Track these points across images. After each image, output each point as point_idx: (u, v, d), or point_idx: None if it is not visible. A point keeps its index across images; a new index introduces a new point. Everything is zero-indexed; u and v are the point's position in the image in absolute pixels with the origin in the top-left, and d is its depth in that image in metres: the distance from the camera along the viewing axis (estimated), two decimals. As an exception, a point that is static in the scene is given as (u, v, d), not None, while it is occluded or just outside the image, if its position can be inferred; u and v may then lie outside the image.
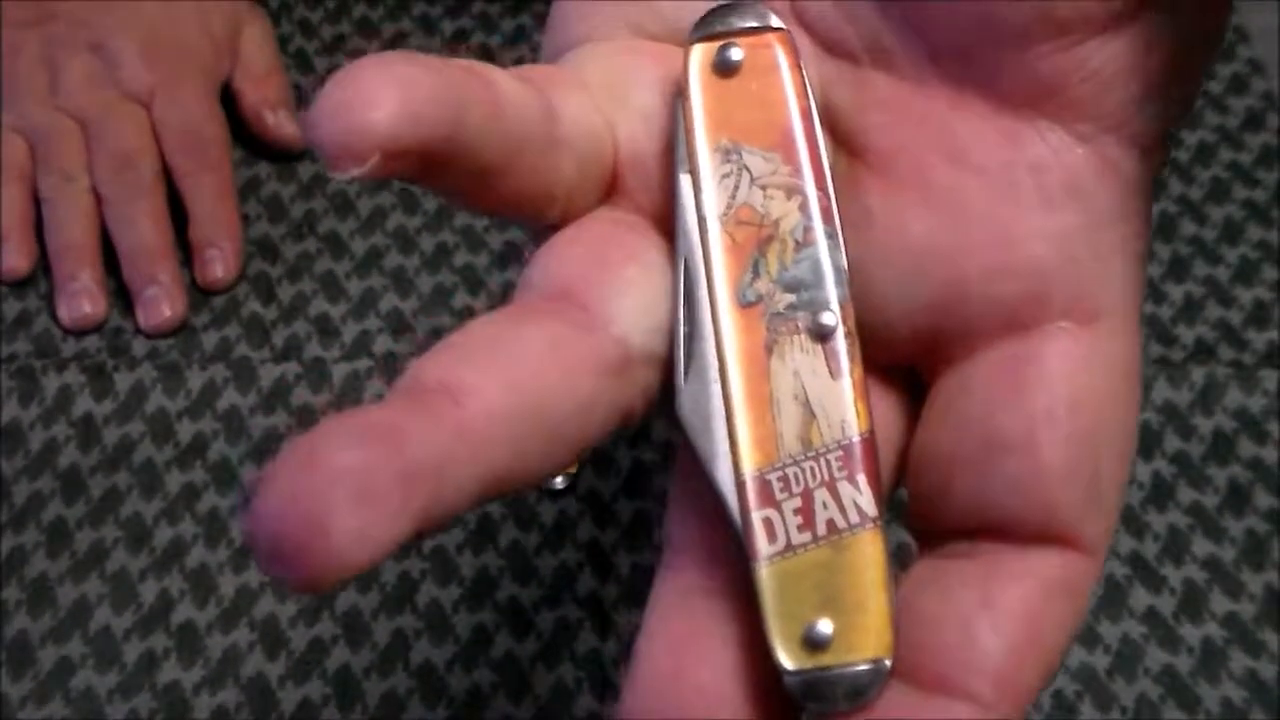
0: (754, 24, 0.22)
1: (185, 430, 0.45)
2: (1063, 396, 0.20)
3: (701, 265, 0.22)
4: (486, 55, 0.56)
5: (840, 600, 0.20)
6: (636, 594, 0.42)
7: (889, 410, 0.23)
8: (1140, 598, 0.42)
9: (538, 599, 0.42)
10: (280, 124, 0.52)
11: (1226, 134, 0.54)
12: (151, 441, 0.45)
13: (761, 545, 0.21)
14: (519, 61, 0.55)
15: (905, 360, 0.22)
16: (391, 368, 0.46)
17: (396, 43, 0.56)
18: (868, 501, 0.21)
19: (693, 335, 0.22)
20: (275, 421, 0.45)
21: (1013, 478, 0.20)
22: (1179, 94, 0.21)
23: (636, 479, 0.44)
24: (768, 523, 0.21)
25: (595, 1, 0.24)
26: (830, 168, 0.22)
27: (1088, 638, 0.41)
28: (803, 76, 0.22)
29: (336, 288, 0.49)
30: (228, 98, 0.52)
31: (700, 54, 0.22)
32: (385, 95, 0.19)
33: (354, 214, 0.51)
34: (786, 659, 0.20)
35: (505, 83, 0.21)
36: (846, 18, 0.22)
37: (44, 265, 0.48)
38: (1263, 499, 0.44)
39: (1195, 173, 0.53)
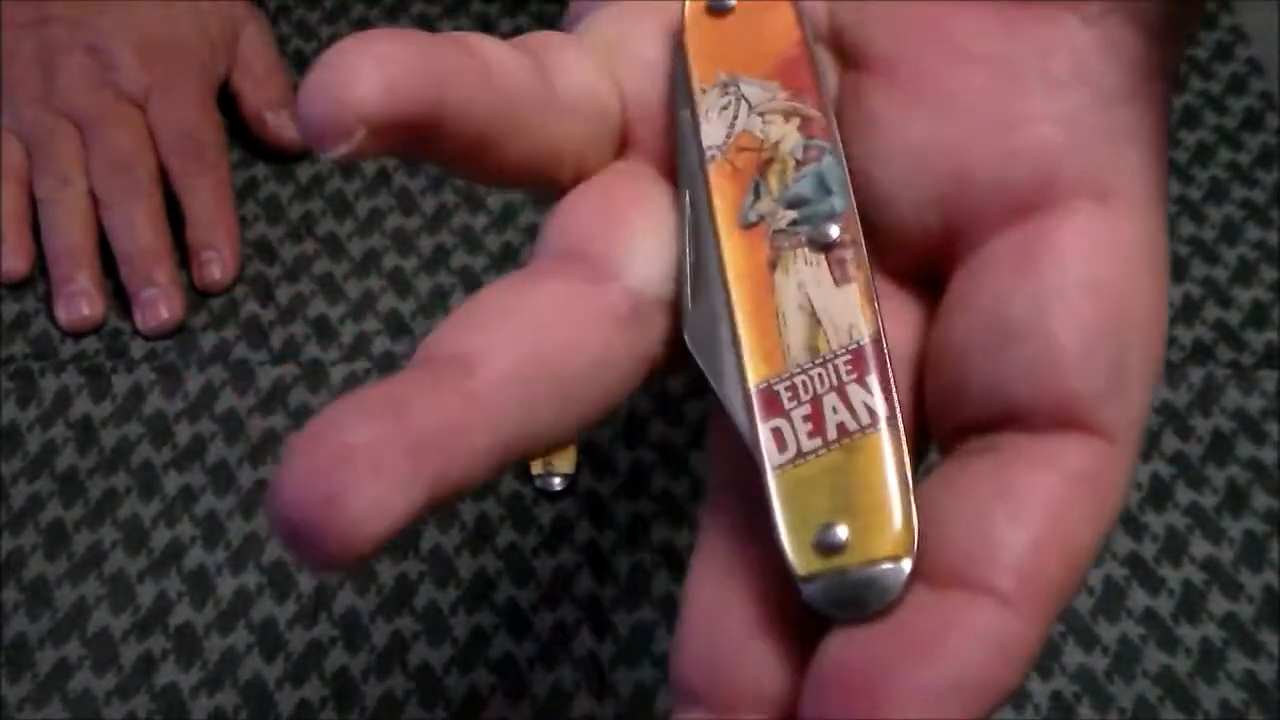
0: None
1: (183, 432, 0.45)
2: (1076, 276, 0.20)
3: (704, 195, 0.22)
4: (485, 56, 0.56)
5: (855, 502, 0.20)
6: (635, 595, 0.42)
7: (908, 318, 0.22)
8: (1138, 598, 0.42)
9: (536, 600, 0.42)
10: (281, 125, 0.52)
11: (1225, 134, 0.54)
12: (150, 443, 0.45)
13: (771, 455, 0.20)
14: (517, 62, 0.55)
15: (921, 262, 0.22)
16: (390, 369, 0.46)
17: (395, 43, 0.56)
18: (879, 402, 0.20)
19: (698, 263, 0.21)
20: (273, 423, 0.45)
21: (1026, 362, 0.20)
22: None
23: (635, 480, 0.44)
24: (777, 433, 0.20)
25: None
26: (832, 86, 0.22)
27: (1086, 638, 0.41)
28: (795, 6, 0.22)
29: (334, 289, 0.49)
30: (226, 99, 0.52)
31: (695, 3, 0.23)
32: (366, 71, 0.20)
33: (352, 215, 0.51)
34: (799, 565, 0.20)
35: (492, 49, 0.21)
36: None
37: (41, 267, 0.48)
38: (1261, 500, 0.44)
39: (1194, 173, 0.53)
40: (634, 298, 0.21)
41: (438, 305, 0.48)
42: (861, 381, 0.20)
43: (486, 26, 0.57)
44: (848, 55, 0.23)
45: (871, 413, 0.20)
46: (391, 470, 0.18)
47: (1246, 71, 0.56)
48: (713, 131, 0.22)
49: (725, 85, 0.22)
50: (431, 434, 0.18)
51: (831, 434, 0.20)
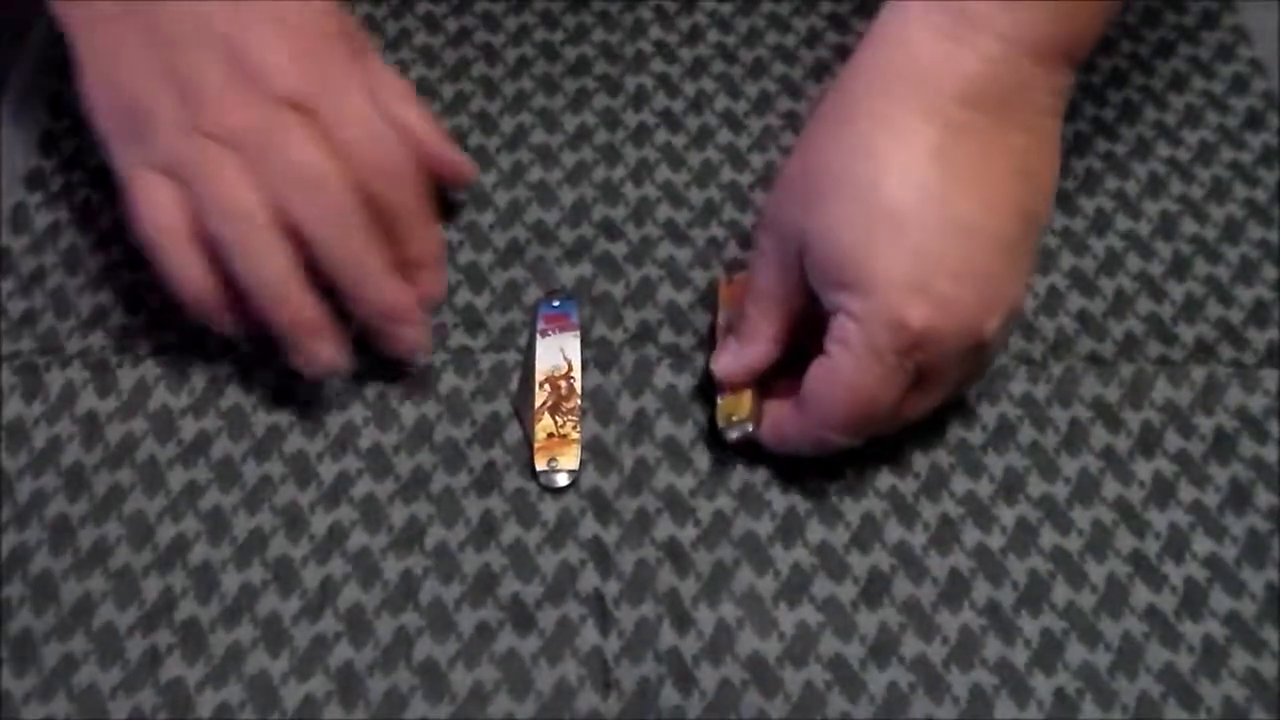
0: None
1: (189, 427, 0.45)
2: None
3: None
4: (489, 52, 0.56)
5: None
6: (639, 591, 0.42)
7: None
8: (1141, 596, 0.42)
9: (540, 596, 0.42)
10: None
11: (1227, 133, 0.54)
12: (154, 439, 0.45)
13: None
14: (522, 58, 0.56)
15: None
16: (393, 365, 0.46)
17: (400, 40, 0.56)
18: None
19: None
20: (278, 419, 0.45)
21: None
22: None
23: (639, 477, 0.45)
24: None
25: None
26: None
27: (1089, 635, 0.41)
28: None
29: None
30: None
31: None
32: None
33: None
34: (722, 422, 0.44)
35: None
36: None
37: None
38: (1263, 498, 0.44)
39: (1196, 172, 0.53)
40: None
41: (442, 301, 0.48)
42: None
43: (491, 24, 0.57)
44: None
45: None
46: None
47: (1248, 71, 0.56)
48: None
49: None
50: None
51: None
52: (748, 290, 0.44)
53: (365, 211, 0.42)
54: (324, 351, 0.43)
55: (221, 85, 0.41)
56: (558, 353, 0.47)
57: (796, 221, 0.41)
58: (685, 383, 0.47)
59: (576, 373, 0.46)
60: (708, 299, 0.48)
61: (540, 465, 0.44)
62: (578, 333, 0.47)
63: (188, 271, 0.42)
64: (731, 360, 0.44)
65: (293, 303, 0.42)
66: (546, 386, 0.46)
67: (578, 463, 0.44)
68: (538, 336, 0.47)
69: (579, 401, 0.46)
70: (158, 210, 0.41)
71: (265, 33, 0.42)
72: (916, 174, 0.39)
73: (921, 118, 0.39)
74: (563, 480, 0.44)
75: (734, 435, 0.44)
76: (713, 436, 0.45)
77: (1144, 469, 0.45)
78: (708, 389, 0.46)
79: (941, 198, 0.39)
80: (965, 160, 0.39)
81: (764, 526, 0.44)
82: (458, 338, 0.48)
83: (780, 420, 0.43)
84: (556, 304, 0.48)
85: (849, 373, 0.40)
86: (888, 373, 0.40)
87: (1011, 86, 0.40)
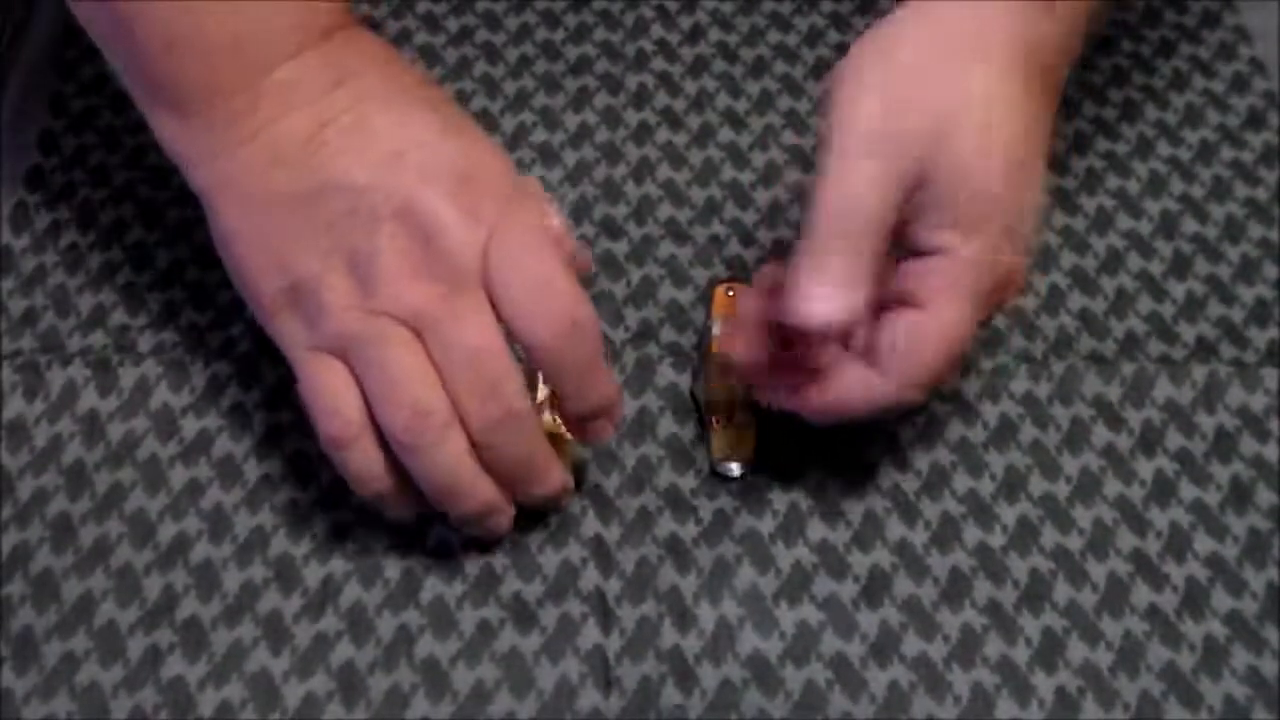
0: None
1: (190, 426, 0.45)
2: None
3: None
4: (490, 51, 0.56)
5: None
6: (639, 589, 0.42)
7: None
8: (1142, 594, 0.42)
9: (541, 594, 0.42)
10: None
11: (1228, 132, 0.54)
12: (156, 437, 0.45)
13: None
14: (523, 57, 0.56)
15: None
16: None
17: (400, 40, 0.56)
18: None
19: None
20: (279, 418, 0.45)
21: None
22: None
23: (640, 475, 0.45)
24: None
25: None
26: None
27: (1090, 634, 0.41)
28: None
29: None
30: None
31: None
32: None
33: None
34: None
35: None
36: None
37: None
38: (1264, 496, 0.44)
39: (1197, 171, 0.53)
40: None
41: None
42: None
43: (492, 23, 0.57)
44: None
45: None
46: None
47: (1249, 71, 0.56)
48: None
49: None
50: None
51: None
52: (823, 214, 0.38)
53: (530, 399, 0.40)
54: (503, 525, 0.42)
55: (399, 262, 0.38)
56: None
57: (924, 149, 0.38)
58: (687, 381, 0.47)
59: None
60: (707, 299, 0.48)
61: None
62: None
63: (371, 470, 0.39)
64: (832, 301, 0.38)
65: (471, 493, 0.40)
66: (548, 384, 0.46)
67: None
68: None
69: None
70: (338, 401, 0.39)
71: (444, 187, 0.38)
72: (1035, 126, 0.40)
73: (1013, 63, 0.40)
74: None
75: (735, 472, 0.45)
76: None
77: (1145, 468, 0.45)
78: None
79: (1035, 152, 0.40)
80: (1044, 116, 0.41)
81: (765, 525, 0.44)
82: (459, 336, 0.48)
83: (848, 388, 0.40)
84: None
85: (952, 322, 0.39)
86: (978, 318, 0.40)
87: (1067, 51, 0.42)
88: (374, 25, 0.56)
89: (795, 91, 0.55)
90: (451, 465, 0.39)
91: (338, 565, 0.42)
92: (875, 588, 0.42)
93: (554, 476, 0.41)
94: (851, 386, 0.40)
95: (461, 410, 0.38)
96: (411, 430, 0.38)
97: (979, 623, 0.42)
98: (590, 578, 0.42)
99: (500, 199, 0.39)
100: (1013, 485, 0.45)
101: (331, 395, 0.38)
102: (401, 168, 0.38)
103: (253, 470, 0.44)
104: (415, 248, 0.38)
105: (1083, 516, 0.44)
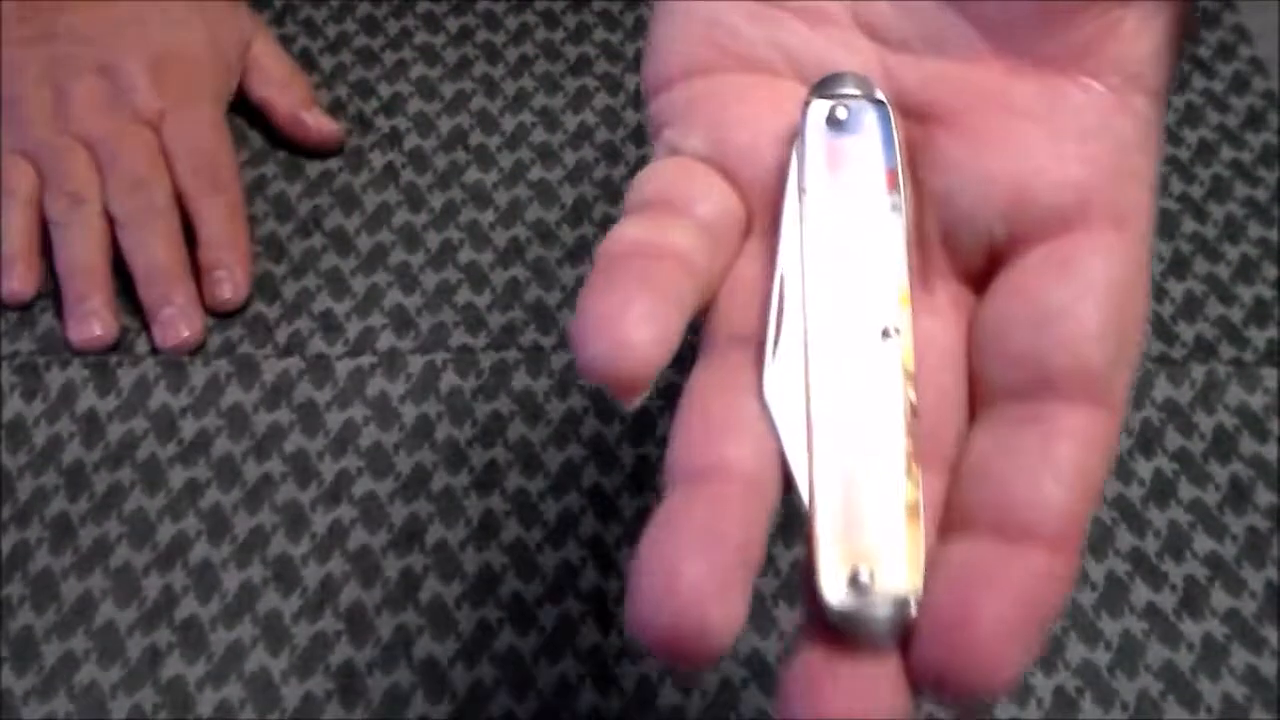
0: (859, 92, 0.27)
1: (189, 426, 0.45)
2: (1100, 279, 0.26)
3: (799, 275, 0.26)
4: (490, 51, 0.56)
5: (879, 546, 0.25)
6: (639, 590, 0.42)
7: (964, 310, 0.27)
8: (1141, 594, 0.42)
9: (540, 594, 0.42)
10: (320, 122, 0.52)
11: (1228, 132, 0.54)
12: (155, 437, 0.45)
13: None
14: (523, 57, 0.56)
15: (983, 264, 0.27)
16: (394, 364, 0.47)
17: (400, 40, 0.56)
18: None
19: (780, 328, 0.26)
20: (278, 418, 0.45)
21: (1061, 336, 0.25)
22: (1175, 50, 0.27)
23: (640, 475, 0.45)
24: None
25: (686, 27, 0.29)
26: (906, 149, 0.27)
27: (1089, 634, 0.41)
28: (892, 131, 0.27)
29: (341, 284, 0.49)
30: (245, 109, 0.53)
31: (816, 109, 0.27)
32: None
33: (359, 210, 0.51)
34: (831, 595, 0.25)
35: (688, 250, 0.27)
36: (904, 14, 0.28)
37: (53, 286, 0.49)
38: (1263, 496, 0.44)
39: (1196, 170, 0.53)
40: None
41: (443, 300, 0.48)
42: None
43: (492, 23, 0.57)
44: (913, 111, 0.28)
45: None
46: (735, 588, 0.24)
47: (1249, 70, 0.56)
48: (813, 223, 0.27)
49: (830, 185, 0.27)
50: (744, 546, 0.25)
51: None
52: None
53: (175, 211, 0.49)
54: (95, 327, 0.47)
55: (92, 95, 0.49)
56: None
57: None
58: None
59: None
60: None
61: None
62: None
63: (14, 223, 0.48)
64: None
65: (90, 274, 0.47)
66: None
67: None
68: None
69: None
70: (18, 186, 0.48)
71: (140, 58, 0.50)
72: None
73: None
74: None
75: (884, 614, 0.24)
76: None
77: (1144, 467, 0.45)
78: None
79: None
80: None
81: (764, 525, 0.44)
82: (458, 337, 0.48)
83: None
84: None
85: None
86: None
87: None
88: (374, 25, 0.57)
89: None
90: (87, 246, 0.48)
91: (337, 565, 0.43)
92: (874, 587, 0.42)
93: (179, 288, 0.47)
94: None
95: (112, 206, 0.48)
96: (65, 211, 0.48)
97: (978, 622, 0.42)
98: (589, 578, 0.42)
99: (187, 84, 0.50)
100: (1012, 485, 0.45)
101: (16, 180, 0.49)
102: (117, 36, 0.50)
103: (252, 470, 0.44)
104: (107, 97, 0.49)
105: (1082, 516, 0.44)
